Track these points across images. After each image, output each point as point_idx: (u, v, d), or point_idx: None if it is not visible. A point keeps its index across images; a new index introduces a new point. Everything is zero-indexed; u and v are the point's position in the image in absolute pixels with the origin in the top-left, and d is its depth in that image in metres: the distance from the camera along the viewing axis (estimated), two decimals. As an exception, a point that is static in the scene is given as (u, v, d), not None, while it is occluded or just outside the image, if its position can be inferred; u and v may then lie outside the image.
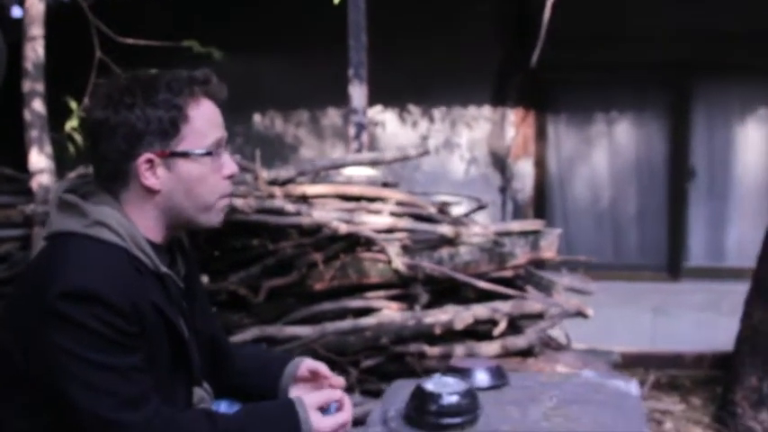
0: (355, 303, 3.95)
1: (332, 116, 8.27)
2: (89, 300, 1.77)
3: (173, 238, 2.08)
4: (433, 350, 3.86)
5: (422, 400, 2.35)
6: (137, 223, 1.94)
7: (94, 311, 1.77)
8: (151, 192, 1.95)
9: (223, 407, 2.27)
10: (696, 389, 4.82)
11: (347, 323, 3.86)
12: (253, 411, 2.02)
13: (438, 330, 3.82)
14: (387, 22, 5.61)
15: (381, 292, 4.00)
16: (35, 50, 4.04)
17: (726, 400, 4.45)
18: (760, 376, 4.25)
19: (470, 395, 2.37)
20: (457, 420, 2.31)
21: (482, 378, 2.61)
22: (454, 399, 2.33)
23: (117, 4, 6.24)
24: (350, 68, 5.05)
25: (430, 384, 2.37)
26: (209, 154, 1.97)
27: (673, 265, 8.38)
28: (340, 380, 2.25)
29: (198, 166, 1.96)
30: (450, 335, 3.92)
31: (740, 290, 5.61)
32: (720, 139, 8.29)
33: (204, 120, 1.98)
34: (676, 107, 8.25)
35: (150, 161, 1.92)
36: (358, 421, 2.78)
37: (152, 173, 1.93)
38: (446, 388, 2.35)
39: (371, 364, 3.89)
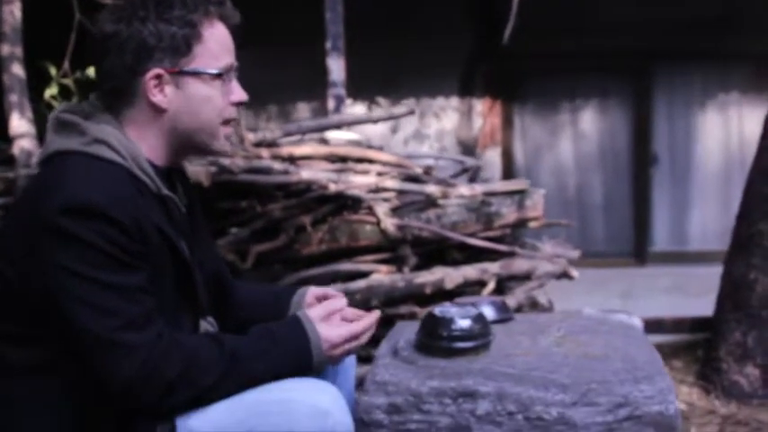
0: (344, 267, 3.87)
1: (301, 110, 8.23)
2: (91, 215, 1.69)
3: (174, 165, 2.00)
4: (424, 311, 3.79)
5: (433, 326, 2.26)
6: (139, 143, 1.86)
7: (97, 227, 1.69)
8: (157, 110, 1.87)
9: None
10: (677, 353, 4.79)
11: (337, 287, 3.78)
12: (260, 331, 1.91)
13: (428, 290, 3.75)
14: (353, 15, 5.60)
15: (370, 256, 3.92)
16: (12, 13, 3.95)
17: (709, 357, 4.43)
18: (744, 330, 4.24)
19: (482, 320, 2.29)
20: (470, 345, 2.22)
21: (488, 311, 2.52)
22: (466, 323, 2.24)
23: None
24: (327, 41, 4.99)
25: (441, 311, 2.29)
26: (219, 76, 1.90)
27: (639, 251, 8.48)
28: (354, 310, 2.17)
29: (207, 87, 1.89)
30: (439, 297, 3.85)
31: (705, 272, 5.64)
32: (681, 125, 8.40)
33: (217, 41, 1.91)
34: (639, 95, 8.35)
35: (159, 77, 1.85)
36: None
37: (159, 90, 1.86)
38: (458, 313, 2.27)
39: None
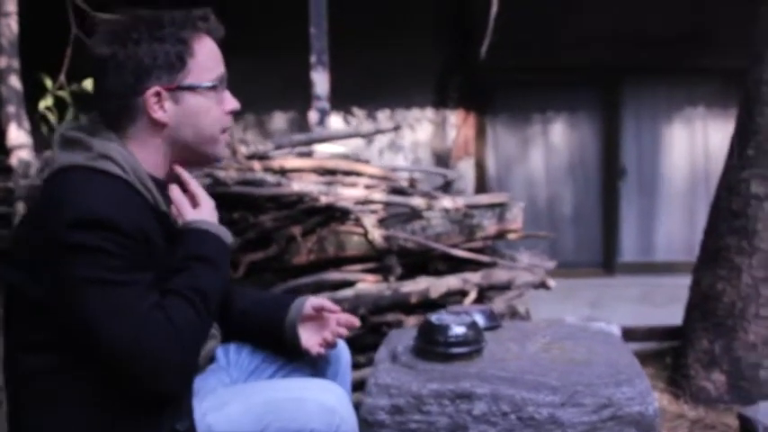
0: (332, 276, 4.01)
1: (278, 121, 8.31)
2: (99, 225, 1.78)
3: (174, 178, 2.09)
4: (410, 320, 3.95)
5: (431, 333, 2.43)
6: (141, 159, 1.96)
7: (105, 236, 1.79)
8: (158, 125, 1.97)
9: (232, 350, 2.33)
10: (648, 360, 4.98)
11: (325, 296, 3.91)
12: (187, 260, 1.98)
13: (414, 299, 3.91)
14: (331, 28, 5.73)
15: (357, 266, 4.07)
16: (9, 27, 4.03)
17: (679, 364, 4.63)
18: (711, 339, 4.44)
19: (475, 327, 2.47)
20: (465, 350, 2.40)
21: (478, 319, 2.70)
22: (462, 330, 2.42)
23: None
24: (312, 55, 5.12)
25: (437, 318, 2.47)
26: (213, 87, 2.01)
27: (607, 261, 8.59)
28: (348, 316, 2.32)
29: (203, 99, 2.00)
30: (424, 306, 4.01)
31: (671, 282, 5.82)
32: (649, 139, 8.53)
33: (208, 54, 2.02)
34: (608, 109, 8.46)
35: (158, 94, 1.95)
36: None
37: (160, 106, 1.96)
38: (453, 320, 2.45)
39: (350, 335, 3.95)
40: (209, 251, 1.99)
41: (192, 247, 1.99)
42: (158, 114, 1.96)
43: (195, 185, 2.10)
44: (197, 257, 1.97)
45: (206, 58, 2.01)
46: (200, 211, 2.05)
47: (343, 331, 2.29)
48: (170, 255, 1.96)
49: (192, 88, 1.98)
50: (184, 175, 2.10)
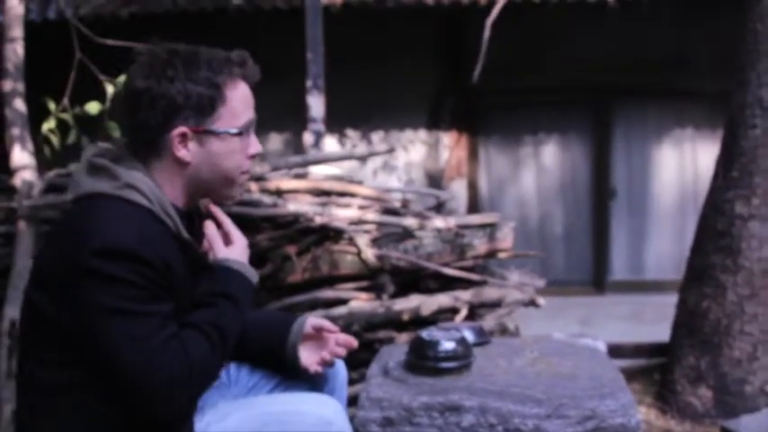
0: (326, 294, 4.08)
1: (273, 141, 8.40)
2: (123, 256, 1.83)
3: (194, 207, 2.15)
4: (402, 337, 4.02)
5: (421, 348, 2.51)
6: (164, 190, 1.99)
7: (129, 266, 1.83)
8: (181, 163, 2.00)
9: (232, 368, 2.38)
10: (636, 376, 5.05)
11: (319, 313, 3.98)
12: (209, 293, 2.05)
13: (406, 317, 3.98)
14: (326, 52, 5.83)
15: (351, 284, 4.14)
16: (15, 51, 4.11)
17: (666, 380, 4.69)
18: (697, 355, 4.51)
19: (464, 343, 2.54)
20: (454, 365, 2.47)
21: (468, 335, 2.77)
22: (451, 345, 2.49)
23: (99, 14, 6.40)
24: (308, 80, 5.21)
25: (428, 334, 2.54)
26: (240, 134, 2.03)
27: (598, 280, 8.65)
28: (346, 336, 2.36)
29: (228, 144, 2.02)
30: (416, 323, 4.08)
31: (660, 300, 5.88)
32: (639, 160, 8.61)
33: (239, 101, 2.03)
34: (598, 130, 8.53)
35: (184, 135, 1.98)
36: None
37: (184, 146, 1.99)
38: (443, 336, 2.53)
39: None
40: (234, 290, 2.06)
41: (218, 284, 2.05)
42: (182, 153, 1.99)
43: (229, 224, 2.17)
44: (222, 294, 2.04)
45: (236, 105, 2.03)
46: (232, 250, 2.11)
47: (341, 351, 2.34)
48: (192, 282, 2.02)
49: (218, 133, 2.01)
50: (219, 213, 2.17)
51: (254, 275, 2.13)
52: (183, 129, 1.97)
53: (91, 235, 1.86)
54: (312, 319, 2.36)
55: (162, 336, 1.88)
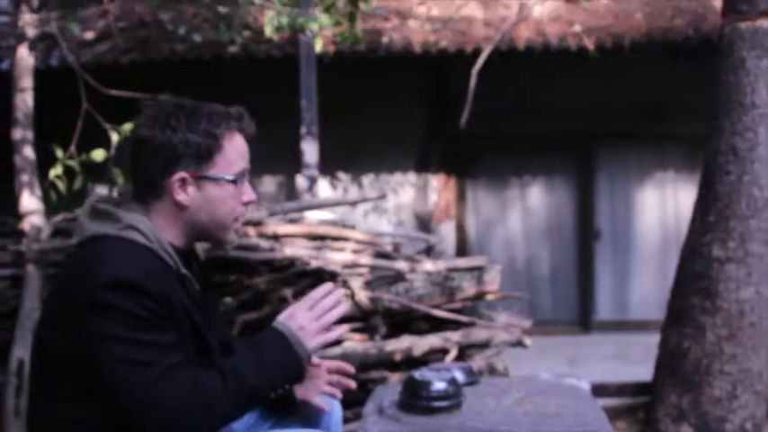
0: (320, 335, 4.17)
1: (267, 184, 8.49)
2: (129, 288, 1.94)
3: (191, 248, 2.25)
4: (394, 376, 4.12)
5: (414, 388, 2.61)
6: (163, 230, 2.11)
7: (135, 298, 1.94)
8: (180, 206, 2.12)
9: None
10: (620, 415, 5.12)
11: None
12: (250, 349, 2.11)
13: (398, 357, 4.09)
14: (319, 97, 5.95)
15: (344, 325, 4.23)
16: (25, 101, 4.22)
17: (649, 418, 4.77)
18: (679, 394, 4.60)
19: (455, 383, 2.64)
20: (445, 404, 2.57)
21: (458, 375, 2.87)
22: (442, 385, 2.60)
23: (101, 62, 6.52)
24: (302, 126, 5.33)
25: (420, 375, 2.65)
26: (234, 181, 2.15)
27: (583, 320, 8.72)
28: (339, 364, 2.48)
29: (223, 190, 2.14)
30: (407, 363, 4.18)
31: (644, 340, 5.95)
32: (622, 202, 8.72)
33: (235, 151, 2.15)
34: (582, 173, 8.65)
35: (183, 180, 2.09)
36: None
37: (183, 190, 2.10)
38: (435, 377, 2.63)
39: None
40: (274, 352, 2.10)
41: (262, 338, 2.14)
42: (181, 197, 2.11)
43: (324, 306, 2.20)
44: (258, 350, 2.10)
45: (232, 154, 2.15)
46: (300, 321, 2.16)
47: (338, 393, 2.44)
48: (191, 313, 2.10)
49: (214, 179, 2.13)
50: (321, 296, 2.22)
51: (303, 352, 2.13)
52: (182, 174, 2.09)
53: (97, 271, 1.97)
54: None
55: (164, 363, 1.96)
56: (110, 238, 2.05)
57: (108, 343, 1.94)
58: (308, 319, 2.16)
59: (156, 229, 2.10)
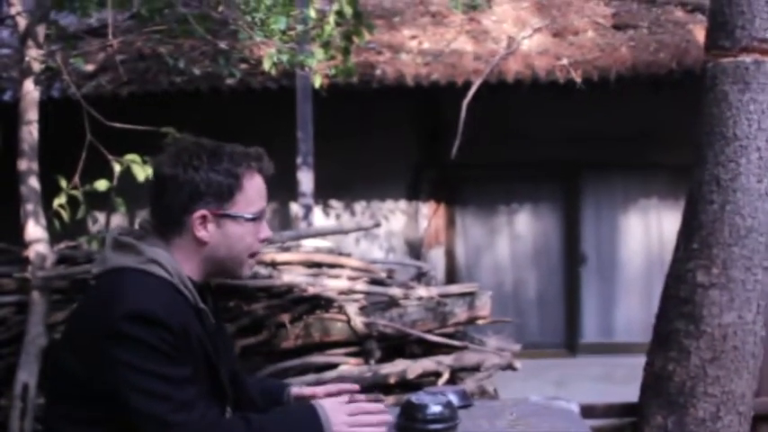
0: (317, 359, 4.22)
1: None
2: (149, 321, 1.98)
3: (207, 282, 2.29)
4: (389, 399, 4.15)
5: (411, 411, 2.65)
6: (182, 264, 2.15)
7: (154, 331, 1.98)
8: (200, 242, 2.15)
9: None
10: (608, 435, 5.15)
11: (310, 378, 4.13)
12: (281, 412, 2.26)
13: (393, 380, 4.13)
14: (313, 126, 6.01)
15: (340, 350, 4.28)
16: (30, 133, 4.26)
17: (636, 439, 4.81)
18: (665, 415, 4.62)
19: (450, 406, 2.68)
20: (441, 426, 2.61)
21: (453, 398, 2.91)
22: (438, 408, 2.64)
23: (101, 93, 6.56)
24: (298, 157, 5.39)
25: (417, 398, 2.69)
26: (253, 219, 2.18)
27: (570, 342, 8.75)
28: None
29: (242, 227, 2.16)
30: (401, 386, 4.22)
31: (630, 362, 5.96)
32: (607, 228, 8.77)
33: (254, 190, 2.18)
34: (568, 200, 8.70)
35: (204, 217, 2.12)
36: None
37: (203, 227, 2.13)
38: (431, 400, 2.67)
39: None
40: (303, 426, 2.18)
41: (296, 409, 2.27)
42: (201, 234, 2.14)
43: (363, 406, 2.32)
44: (288, 417, 2.21)
45: (252, 194, 2.17)
46: (340, 418, 2.22)
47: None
48: (206, 347, 2.14)
49: (234, 217, 2.16)
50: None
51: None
52: (203, 212, 2.12)
53: (119, 302, 2.00)
54: (294, 389, 2.53)
55: (182, 396, 2.01)
56: (131, 270, 2.09)
57: (125, 373, 1.98)
58: (345, 421, 2.22)
59: (177, 264, 2.13)
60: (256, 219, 2.21)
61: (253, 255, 2.27)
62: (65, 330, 2.19)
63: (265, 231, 2.26)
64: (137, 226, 2.30)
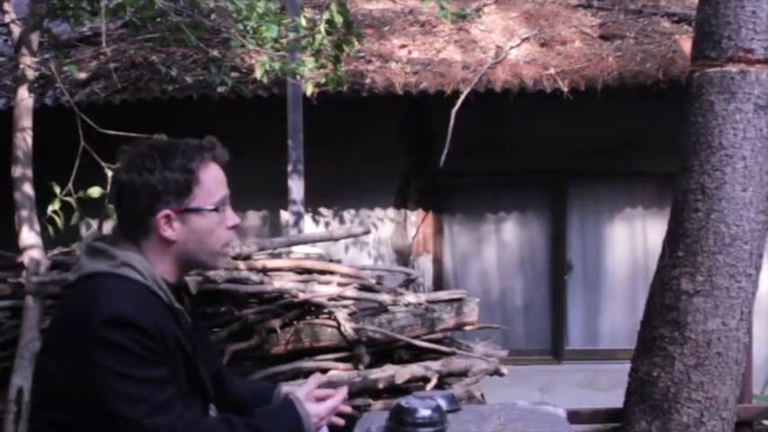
0: (308, 365, 4.24)
1: (252, 218, 8.52)
2: (125, 324, 2.00)
3: (182, 282, 2.33)
4: (378, 404, 4.17)
5: (401, 414, 2.68)
6: (155, 265, 2.17)
7: (130, 334, 2.00)
8: (167, 242, 2.19)
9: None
10: (593, 441, 5.19)
11: (300, 383, 4.13)
12: (261, 414, 2.28)
13: (382, 385, 4.14)
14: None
15: (330, 355, 4.30)
16: (25, 140, 4.27)
17: (621, 444, 4.84)
18: (649, 420, 4.66)
19: (439, 410, 2.71)
20: (430, 430, 2.64)
21: (442, 403, 2.94)
22: (427, 412, 2.67)
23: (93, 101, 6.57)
24: (289, 164, 5.40)
25: (406, 402, 2.71)
26: (216, 210, 2.21)
27: (555, 349, 8.73)
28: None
29: (207, 219, 2.20)
30: (390, 391, 4.24)
31: (615, 368, 6.00)
32: (593, 236, 8.77)
33: (212, 180, 2.22)
34: (554, 209, 8.70)
35: (168, 216, 2.16)
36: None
37: (169, 226, 2.17)
38: (420, 404, 2.70)
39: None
40: (281, 422, 2.24)
41: (275, 407, 2.33)
42: (168, 233, 2.18)
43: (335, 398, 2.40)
44: (271, 416, 2.26)
45: (210, 184, 2.21)
46: (311, 404, 2.31)
47: (338, 421, 2.51)
48: (184, 346, 2.17)
49: (197, 210, 2.19)
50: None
51: (308, 425, 2.26)
52: (166, 211, 2.16)
53: (95, 307, 2.03)
54: (285, 387, 2.58)
55: (159, 398, 2.03)
56: (106, 275, 2.11)
57: (102, 377, 2.00)
58: (323, 409, 2.33)
59: (149, 266, 2.15)
60: (219, 208, 2.23)
61: (226, 244, 2.29)
62: (44, 337, 2.23)
63: (232, 218, 2.29)
64: (111, 231, 2.32)
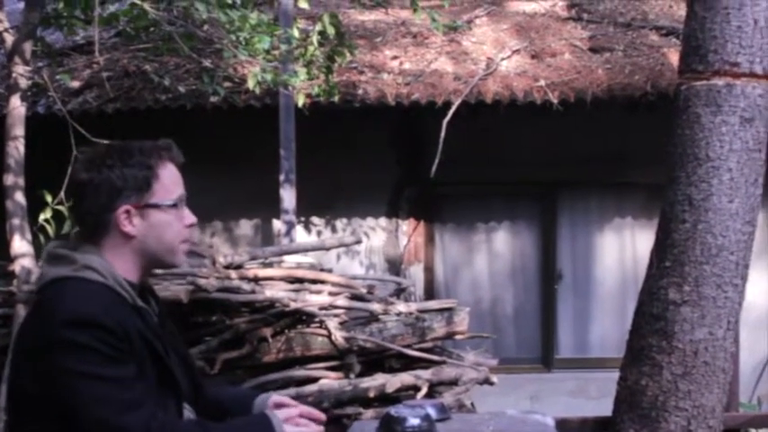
0: (299, 373, 4.24)
1: (244, 227, 8.52)
2: (87, 324, 2.00)
3: (145, 283, 2.33)
4: (368, 412, 4.18)
5: (390, 423, 2.68)
6: (116, 266, 2.17)
7: (93, 334, 2.00)
8: (128, 237, 2.19)
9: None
10: (581, 449, 5.19)
11: (291, 391, 4.14)
12: (236, 422, 2.29)
13: (372, 394, 4.15)
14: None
15: (321, 364, 4.31)
16: (17, 148, 4.27)
17: (610, 452, 4.85)
18: (637, 428, 4.67)
19: (429, 419, 2.72)
20: (419, 439, 2.65)
21: (432, 411, 2.94)
22: (417, 421, 2.68)
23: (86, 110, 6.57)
24: (281, 174, 5.41)
25: (396, 411, 2.72)
26: (174, 206, 2.23)
27: (545, 358, 8.73)
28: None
29: (165, 215, 2.22)
30: (381, 400, 4.24)
31: (604, 377, 6.01)
32: (582, 246, 8.79)
33: (170, 178, 2.24)
34: (545, 219, 8.72)
35: (128, 212, 2.17)
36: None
37: (129, 221, 2.18)
38: (410, 413, 2.70)
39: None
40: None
41: (251, 418, 2.32)
42: (128, 228, 2.19)
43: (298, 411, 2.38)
44: (245, 426, 2.26)
45: (168, 182, 2.23)
46: (287, 426, 2.28)
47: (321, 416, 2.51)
48: (152, 343, 2.16)
49: (156, 206, 2.21)
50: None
51: None
52: (126, 207, 2.17)
53: (56, 310, 2.03)
54: (275, 396, 2.52)
55: (127, 397, 2.03)
56: (67, 279, 2.11)
57: (70, 379, 1.99)
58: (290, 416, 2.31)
59: (110, 266, 2.16)
60: (178, 205, 2.26)
61: (184, 241, 2.30)
62: (13, 347, 2.24)
63: (189, 217, 2.31)
64: (70, 238, 2.33)
